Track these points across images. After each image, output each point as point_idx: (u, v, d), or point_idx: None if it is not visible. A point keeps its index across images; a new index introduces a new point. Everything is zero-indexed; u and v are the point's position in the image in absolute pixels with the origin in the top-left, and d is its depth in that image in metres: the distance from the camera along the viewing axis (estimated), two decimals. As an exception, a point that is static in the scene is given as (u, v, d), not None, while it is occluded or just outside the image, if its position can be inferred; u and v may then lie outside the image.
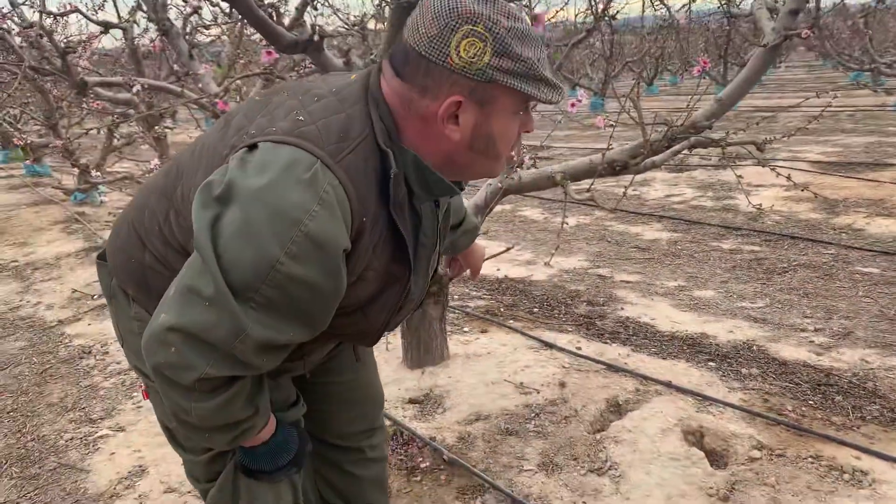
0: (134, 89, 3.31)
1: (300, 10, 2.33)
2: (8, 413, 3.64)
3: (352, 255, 1.23)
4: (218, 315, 1.14)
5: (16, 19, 5.05)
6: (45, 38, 3.67)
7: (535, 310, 4.52)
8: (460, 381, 3.39)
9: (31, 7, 5.08)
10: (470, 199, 3.16)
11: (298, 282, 1.15)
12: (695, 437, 2.84)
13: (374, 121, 1.25)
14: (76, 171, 8.28)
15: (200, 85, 3.41)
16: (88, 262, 6.56)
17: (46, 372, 4.12)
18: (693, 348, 3.79)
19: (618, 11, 7.48)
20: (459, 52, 1.15)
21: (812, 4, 2.99)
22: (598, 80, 16.77)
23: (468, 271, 2.13)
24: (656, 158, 2.91)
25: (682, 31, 17.63)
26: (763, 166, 3.12)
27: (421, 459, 2.80)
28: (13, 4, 5.18)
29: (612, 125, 3.08)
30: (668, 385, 3.24)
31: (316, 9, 2.68)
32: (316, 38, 2.22)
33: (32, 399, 3.78)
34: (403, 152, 1.26)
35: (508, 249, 2.98)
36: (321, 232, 1.13)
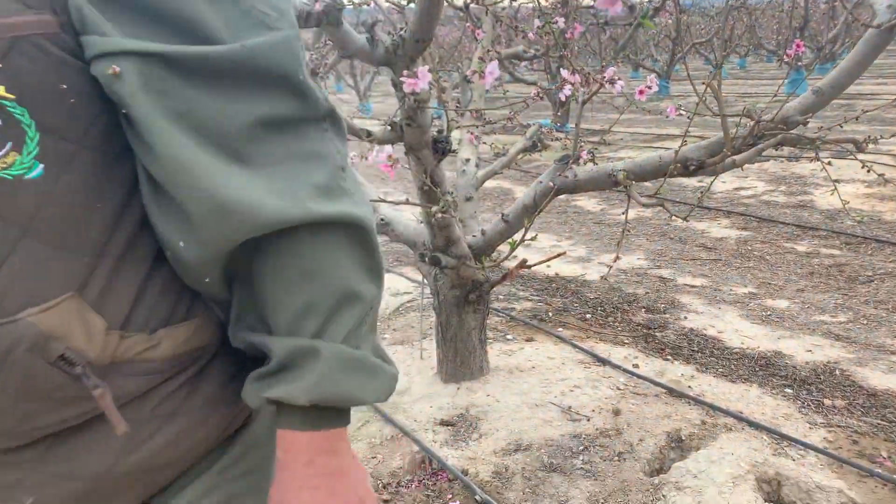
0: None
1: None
2: None
3: None
4: None
5: None
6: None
7: (588, 315, 4.11)
8: (500, 400, 3.02)
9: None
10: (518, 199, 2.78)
11: None
12: (771, 486, 2.43)
13: None
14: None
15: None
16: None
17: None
18: (766, 370, 3.34)
19: (688, -12, 6.95)
20: None
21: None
22: (662, 62, 16.06)
23: None
24: (737, 158, 2.48)
25: (754, 12, 16.74)
26: (862, 164, 2.66)
27: (451, 497, 2.45)
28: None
29: (684, 114, 2.66)
30: (740, 418, 2.82)
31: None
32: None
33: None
34: None
35: (560, 255, 2.59)
36: None
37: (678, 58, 14.79)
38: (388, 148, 1.99)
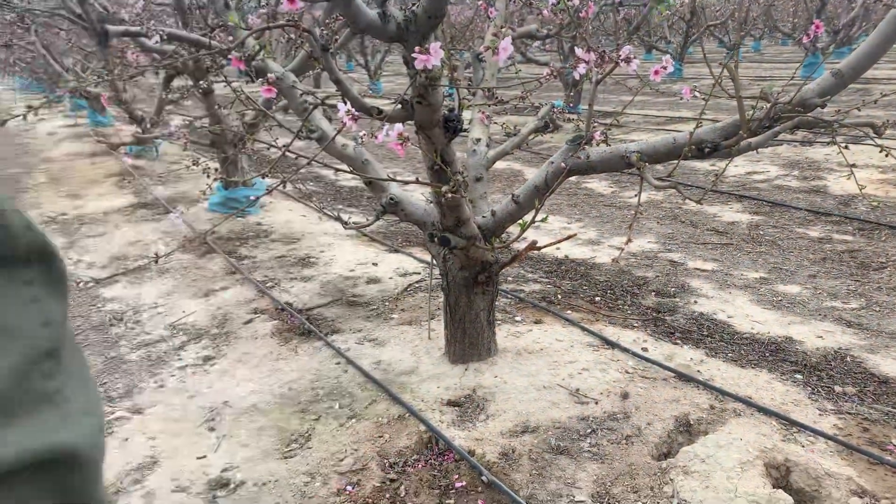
0: (153, 40, 3.00)
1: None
2: (29, 383, 3.44)
3: None
4: None
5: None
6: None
7: (597, 298, 4.09)
8: (508, 382, 3.01)
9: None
10: (529, 179, 2.74)
11: None
12: (779, 472, 2.41)
13: None
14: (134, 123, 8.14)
15: (231, 37, 3.07)
16: (135, 219, 6.39)
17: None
18: (776, 355, 3.32)
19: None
20: None
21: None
22: (676, 44, 15.88)
23: None
24: (753, 141, 2.44)
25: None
26: (881, 149, 2.60)
27: (457, 477, 2.45)
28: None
29: (699, 96, 2.61)
30: (749, 403, 2.80)
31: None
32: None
33: (55, 369, 3.57)
34: None
35: (570, 237, 2.56)
36: None
37: (692, 40, 14.63)
38: (398, 126, 1.96)
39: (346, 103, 2.08)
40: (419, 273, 4.54)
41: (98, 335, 3.95)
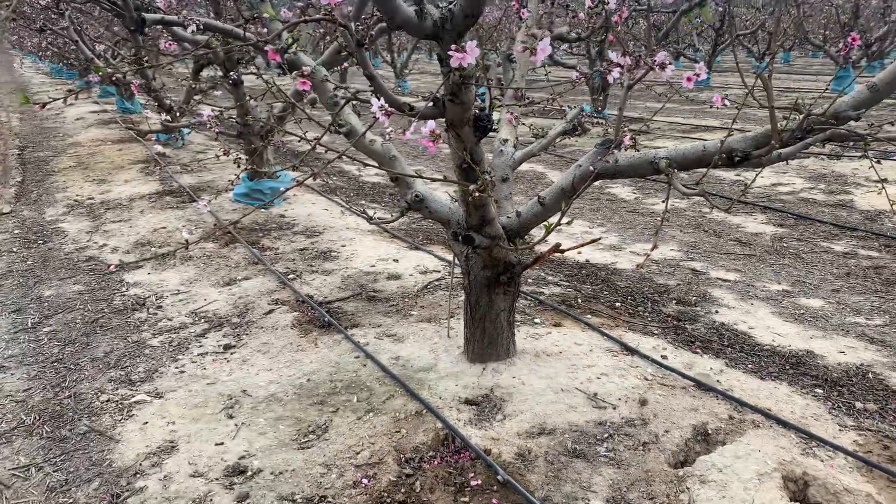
0: (189, 29, 3.03)
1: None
2: (52, 363, 3.49)
3: None
4: None
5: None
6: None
7: (618, 304, 4.08)
8: (526, 383, 3.01)
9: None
10: (556, 182, 2.74)
11: None
12: (797, 485, 2.40)
13: None
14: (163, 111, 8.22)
15: (266, 29, 3.09)
16: (160, 205, 6.46)
17: (97, 322, 3.97)
18: (797, 369, 3.29)
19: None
20: None
21: None
22: (704, 53, 15.79)
23: None
24: (784, 151, 2.42)
25: (803, 5, 16.33)
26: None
27: (472, 475, 2.45)
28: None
29: (729, 105, 2.60)
30: (768, 416, 2.78)
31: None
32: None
33: (78, 350, 3.62)
34: None
35: (594, 241, 2.55)
36: None
37: (721, 48, 14.53)
38: (430, 123, 1.97)
39: (378, 99, 2.10)
40: (439, 271, 4.55)
41: (120, 319, 3.99)
